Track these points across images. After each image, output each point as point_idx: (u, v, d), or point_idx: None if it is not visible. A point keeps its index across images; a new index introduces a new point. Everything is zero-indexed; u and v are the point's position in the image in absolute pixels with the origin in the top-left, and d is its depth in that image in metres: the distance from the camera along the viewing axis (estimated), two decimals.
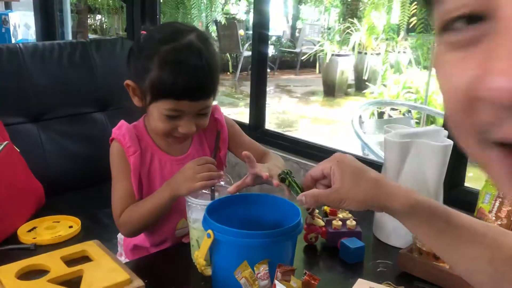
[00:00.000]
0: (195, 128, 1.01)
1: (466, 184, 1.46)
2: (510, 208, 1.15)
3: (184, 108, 0.97)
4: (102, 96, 1.88)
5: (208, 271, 0.90)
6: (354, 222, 1.16)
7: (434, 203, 0.73)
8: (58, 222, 1.52)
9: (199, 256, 0.88)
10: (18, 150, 1.52)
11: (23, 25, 3.07)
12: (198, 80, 0.96)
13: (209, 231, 0.85)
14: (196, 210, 0.97)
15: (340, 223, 1.15)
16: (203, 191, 1.01)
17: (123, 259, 1.19)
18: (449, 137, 1.19)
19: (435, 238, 0.71)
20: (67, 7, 3.40)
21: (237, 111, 6.11)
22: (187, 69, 0.95)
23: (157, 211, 1.03)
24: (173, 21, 1.02)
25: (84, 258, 0.90)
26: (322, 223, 1.16)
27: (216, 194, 1.02)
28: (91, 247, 0.93)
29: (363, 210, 0.77)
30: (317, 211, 1.18)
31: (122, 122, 1.09)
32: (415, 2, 4.68)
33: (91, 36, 8.65)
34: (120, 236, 1.24)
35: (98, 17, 9.26)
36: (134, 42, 1.04)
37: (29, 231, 1.46)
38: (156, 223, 1.08)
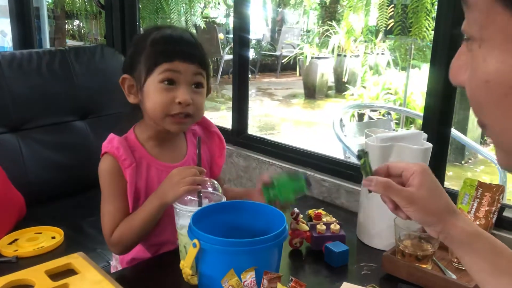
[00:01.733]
0: (191, 100, 1.04)
1: (447, 182, 1.50)
2: (488, 208, 1.19)
3: (178, 68, 1.02)
4: (83, 104, 1.86)
5: (195, 280, 0.90)
6: (338, 226, 1.17)
7: (498, 241, 0.71)
8: (40, 233, 1.49)
9: (185, 265, 0.88)
10: None
11: None
12: (186, 43, 1.06)
13: (195, 240, 0.85)
14: (184, 216, 0.97)
15: (324, 227, 1.16)
16: (191, 197, 1.01)
17: None
18: (428, 140, 1.21)
19: (492, 276, 0.69)
20: (44, 14, 3.36)
21: (219, 115, 6.10)
22: (175, 35, 1.06)
23: (148, 222, 1.03)
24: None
25: (69, 271, 0.89)
26: (306, 227, 1.17)
27: (206, 200, 1.02)
28: (76, 259, 0.92)
29: (420, 223, 0.74)
30: (301, 216, 1.19)
31: (112, 136, 1.08)
32: (392, 5, 4.76)
33: (69, 41, 8.54)
34: None
35: (76, 22, 9.14)
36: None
37: (10, 243, 1.43)
38: (147, 234, 1.08)
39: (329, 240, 1.13)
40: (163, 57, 1.02)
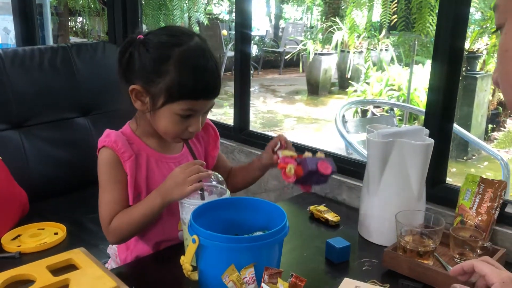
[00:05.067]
0: (201, 126, 1.06)
1: (450, 178, 1.49)
2: (490, 204, 1.18)
3: (199, 107, 1.02)
4: (85, 100, 1.87)
5: (195, 276, 0.91)
6: (323, 154, 1.13)
7: None
8: (43, 229, 1.50)
9: (185, 261, 0.88)
10: (0, 158, 1.50)
11: (2, 30, 3.03)
12: (214, 81, 1.02)
13: (194, 236, 0.85)
14: (190, 210, 0.97)
15: (310, 154, 1.12)
16: None
17: None
18: (430, 135, 1.21)
19: None
20: (47, 11, 3.37)
21: (221, 112, 6.09)
22: (205, 71, 1.00)
23: (148, 217, 1.03)
24: (167, 26, 1.02)
25: (70, 267, 0.90)
26: (294, 153, 1.13)
27: (206, 193, 1.03)
28: (77, 255, 0.93)
29: None
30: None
31: (109, 131, 1.08)
32: (396, 1, 4.73)
33: (72, 38, 8.56)
34: (112, 251, 1.22)
35: (79, 19, 9.15)
36: (130, 46, 1.03)
37: (13, 239, 1.44)
38: (146, 228, 1.08)
39: (319, 162, 1.08)
40: (190, 95, 0.99)
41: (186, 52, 0.99)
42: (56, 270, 0.88)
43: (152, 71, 1.00)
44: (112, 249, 1.21)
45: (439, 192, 1.36)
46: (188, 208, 0.99)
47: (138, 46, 1.02)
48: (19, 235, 1.46)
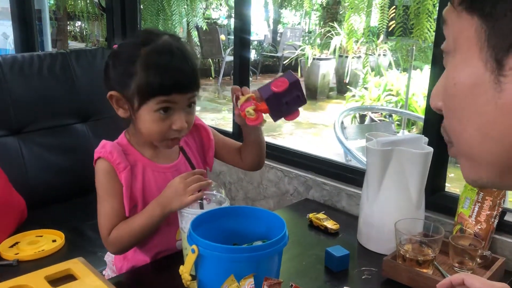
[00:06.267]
0: (186, 124, 1.03)
1: (448, 184, 1.49)
2: (489, 212, 1.18)
3: (174, 99, 1.00)
4: (83, 107, 1.87)
5: (194, 286, 0.90)
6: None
7: None
8: (41, 236, 1.50)
9: (184, 271, 0.88)
10: None
11: (1, 35, 3.03)
12: (182, 74, 1.01)
13: (193, 246, 0.85)
14: (189, 219, 0.97)
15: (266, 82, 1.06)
16: None
17: None
18: (429, 143, 1.21)
19: None
20: (46, 16, 3.38)
21: (220, 117, 6.10)
22: (169, 66, 0.99)
23: (148, 227, 1.03)
24: (141, 29, 1.04)
25: (69, 277, 0.89)
26: (250, 94, 1.06)
27: (205, 202, 1.03)
28: (76, 265, 0.92)
29: None
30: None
31: (105, 141, 1.08)
32: (394, 6, 4.75)
33: (71, 42, 8.56)
34: (109, 259, 1.21)
35: (78, 23, 9.16)
36: (109, 56, 1.06)
37: (11, 246, 1.44)
38: (146, 238, 1.08)
39: (272, 83, 1.01)
40: (159, 91, 0.98)
41: (152, 50, 0.99)
42: (55, 281, 0.88)
43: (123, 74, 1.01)
44: (109, 256, 1.21)
45: (438, 199, 1.36)
46: (187, 217, 0.99)
47: (111, 55, 1.05)
48: (17, 243, 1.45)
